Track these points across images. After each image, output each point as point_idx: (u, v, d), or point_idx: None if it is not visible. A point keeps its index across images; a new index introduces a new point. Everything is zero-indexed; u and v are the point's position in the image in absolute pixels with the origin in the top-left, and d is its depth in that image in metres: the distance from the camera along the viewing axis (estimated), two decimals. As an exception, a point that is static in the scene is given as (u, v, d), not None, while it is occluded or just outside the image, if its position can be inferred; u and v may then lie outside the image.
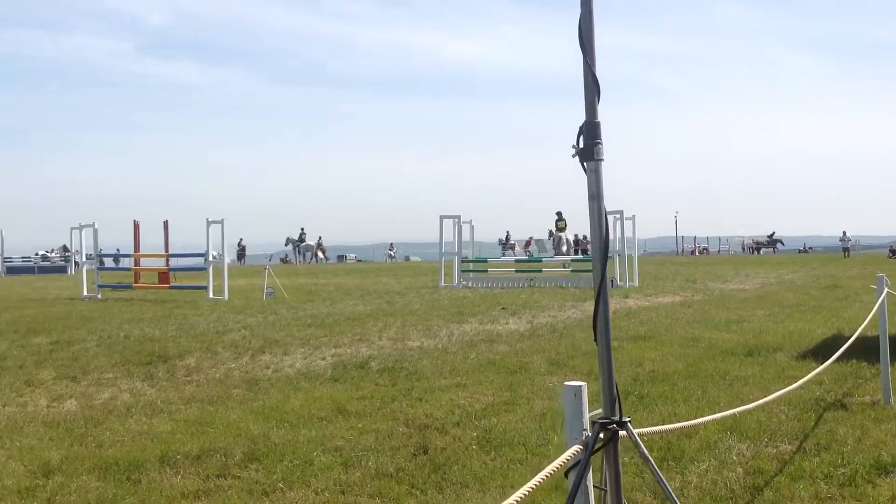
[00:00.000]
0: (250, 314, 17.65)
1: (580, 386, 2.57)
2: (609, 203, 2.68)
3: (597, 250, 2.59)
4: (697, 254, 72.32)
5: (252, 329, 14.68)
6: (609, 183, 2.62)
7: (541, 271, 28.24)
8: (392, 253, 72.14)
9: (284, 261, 61.62)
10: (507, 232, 60.42)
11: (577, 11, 2.58)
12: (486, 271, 28.84)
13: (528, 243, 54.77)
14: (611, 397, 2.64)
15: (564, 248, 40.93)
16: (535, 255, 45.75)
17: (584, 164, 2.59)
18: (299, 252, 60.81)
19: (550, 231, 47.80)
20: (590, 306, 17.47)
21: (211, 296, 22.58)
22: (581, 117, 2.60)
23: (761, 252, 69.41)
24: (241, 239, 62.03)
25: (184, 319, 16.69)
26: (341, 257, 70.01)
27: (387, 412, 7.77)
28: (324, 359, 11.24)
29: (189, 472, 5.90)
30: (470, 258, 29.43)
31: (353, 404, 8.10)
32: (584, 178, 2.62)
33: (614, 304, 19.11)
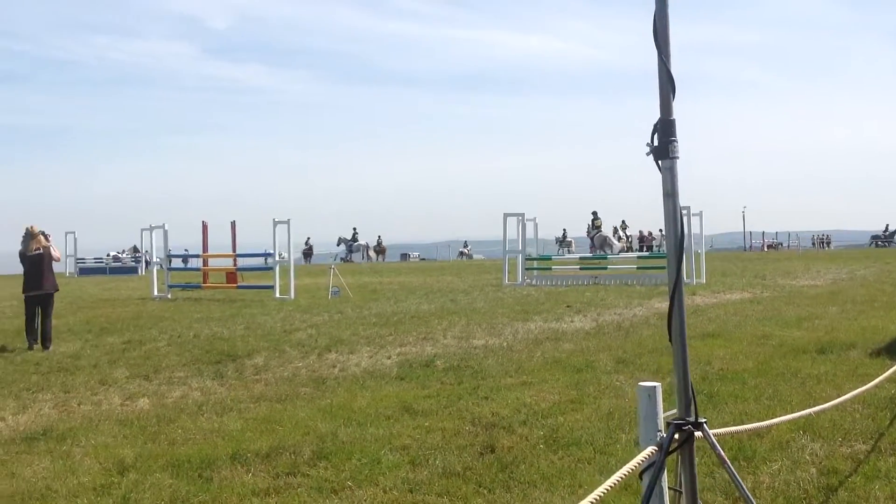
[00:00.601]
0: (316, 313, 17.82)
1: (654, 387, 2.53)
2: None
3: (672, 249, 2.54)
4: (766, 249, 70.90)
5: (318, 328, 14.82)
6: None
7: (606, 268, 27.97)
8: (467, 251, 71.95)
9: (346, 260, 61.88)
10: (564, 230, 59.85)
11: (645, 5, 2.54)
12: (551, 269, 28.65)
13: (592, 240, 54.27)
14: (686, 398, 2.59)
15: (614, 246, 41.01)
16: (600, 252, 45.36)
17: (659, 161, 2.54)
18: (351, 252, 60.93)
19: (589, 228, 47.37)
20: (657, 303, 17.32)
21: (277, 295, 22.85)
22: (650, 113, 2.56)
23: (877, 245, 67.44)
24: (308, 238, 62.39)
25: (251, 319, 16.93)
26: (404, 256, 70.16)
27: (453, 411, 7.77)
28: (389, 357, 11.29)
29: (259, 470, 5.98)
30: (534, 256, 29.28)
31: (419, 403, 8.12)
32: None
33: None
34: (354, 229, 62.67)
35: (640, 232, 52.79)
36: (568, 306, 17.90)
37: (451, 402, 8.12)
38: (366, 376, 9.87)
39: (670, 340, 2.57)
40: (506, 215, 27.63)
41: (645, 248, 48.85)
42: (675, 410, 2.59)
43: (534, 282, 27.03)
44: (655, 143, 2.54)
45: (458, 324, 14.87)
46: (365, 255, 61.59)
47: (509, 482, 5.56)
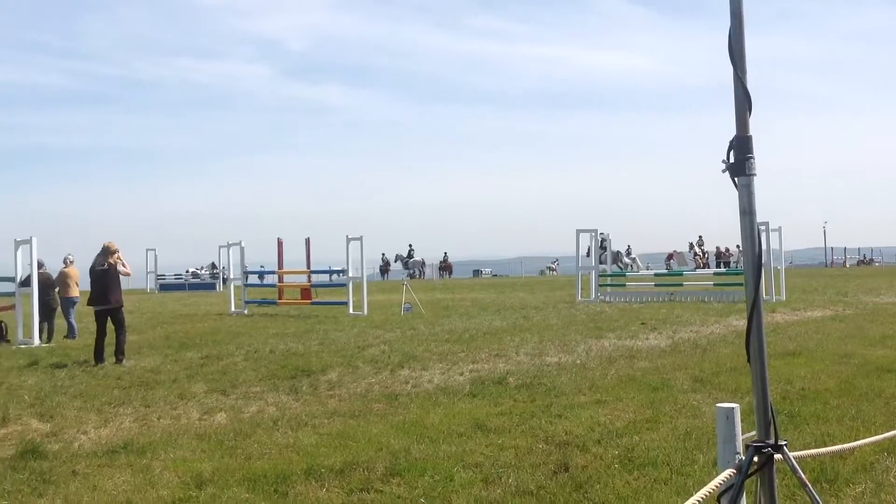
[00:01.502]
0: (389, 329, 17.93)
1: (733, 408, 2.47)
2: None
3: (750, 267, 2.49)
4: (858, 265, 68.95)
5: (391, 344, 14.91)
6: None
7: (682, 285, 27.57)
8: (554, 266, 71.19)
9: (412, 276, 61.80)
10: (629, 245, 58.65)
11: (716, 21, 2.51)
12: (625, 285, 28.37)
13: (669, 257, 53.54)
14: (766, 420, 2.53)
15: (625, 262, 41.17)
16: (676, 268, 44.75)
17: (735, 179, 2.50)
18: (407, 268, 60.51)
19: (691, 244, 46.69)
20: (734, 321, 16.99)
21: (351, 311, 23.07)
22: (723, 130, 2.52)
23: None
24: (383, 254, 62.68)
25: (325, 335, 17.11)
26: (476, 272, 70.21)
27: (526, 428, 7.72)
28: (462, 374, 11.28)
29: (333, 486, 6.02)
30: (608, 272, 29.03)
31: (491, 420, 8.09)
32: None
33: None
34: (410, 246, 62.48)
35: (717, 248, 51.84)
36: (643, 323, 17.68)
37: (523, 420, 8.07)
38: (438, 393, 9.87)
39: (749, 360, 2.51)
40: (578, 231, 27.48)
41: (722, 265, 47.94)
42: (754, 432, 2.53)
43: (607, 298, 26.80)
44: (731, 160, 2.50)
45: (531, 340, 14.80)
46: (420, 271, 61.20)
47: (584, 502, 5.49)
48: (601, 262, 42.61)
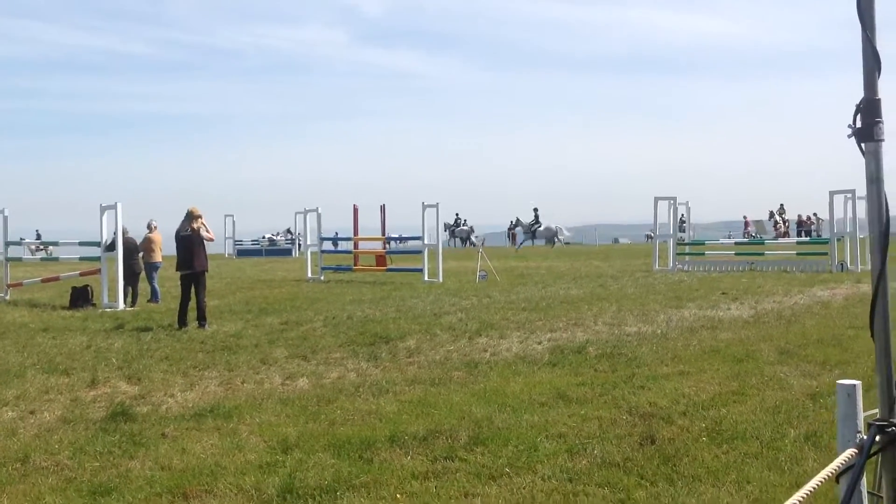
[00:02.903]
0: (465, 297, 17.93)
1: (854, 385, 2.36)
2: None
3: (877, 238, 2.35)
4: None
5: (467, 312, 14.89)
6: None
7: (763, 254, 26.95)
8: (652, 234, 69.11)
9: (465, 244, 60.94)
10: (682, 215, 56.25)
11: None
12: (704, 254, 27.85)
13: (746, 225, 52.43)
14: (889, 398, 2.39)
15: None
16: (756, 237, 43.82)
17: (862, 145, 2.35)
18: (454, 237, 58.96)
19: (771, 212, 45.53)
20: (818, 291, 16.58)
21: (426, 278, 23.12)
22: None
23: None
24: (464, 220, 61.86)
25: (402, 301, 17.18)
26: (550, 240, 69.70)
27: (608, 399, 7.62)
28: (540, 343, 11.21)
29: (417, 453, 6.02)
30: (686, 241, 28.55)
31: (573, 390, 8.00)
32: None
33: (846, 289, 17.95)
34: (457, 214, 60.71)
35: (799, 216, 50.50)
36: (723, 293, 17.34)
37: (605, 391, 7.97)
38: (517, 361, 9.83)
39: (872, 336, 2.38)
40: (656, 199, 27.04)
41: (804, 234, 46.73)
42: (876, 410, 2.41)
43: (686, 267, 26.37)
44: (858, 124, 2.36)
45: (609, 310, 14.63)
46: (468, 240, 59.00)
47: (672, 475, 5.39)
48: (534, 237, 40.97)
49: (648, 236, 26.93)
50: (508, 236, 62.17)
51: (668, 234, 27.13)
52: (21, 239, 27.10)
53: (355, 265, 27.64)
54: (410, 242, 31.32)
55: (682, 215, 31.93)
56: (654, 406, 7.30)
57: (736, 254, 28.00)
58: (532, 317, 13.89)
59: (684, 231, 48.05)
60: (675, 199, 27.07)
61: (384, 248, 28.73)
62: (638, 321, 13.13)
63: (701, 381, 8.33)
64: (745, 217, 52.62)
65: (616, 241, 70.74)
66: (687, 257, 27.41)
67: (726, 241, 37.56)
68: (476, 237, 55.22)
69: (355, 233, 30.72)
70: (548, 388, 8.13)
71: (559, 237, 54.26)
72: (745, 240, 38.67)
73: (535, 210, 54.93)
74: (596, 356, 10.02)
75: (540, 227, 54.04)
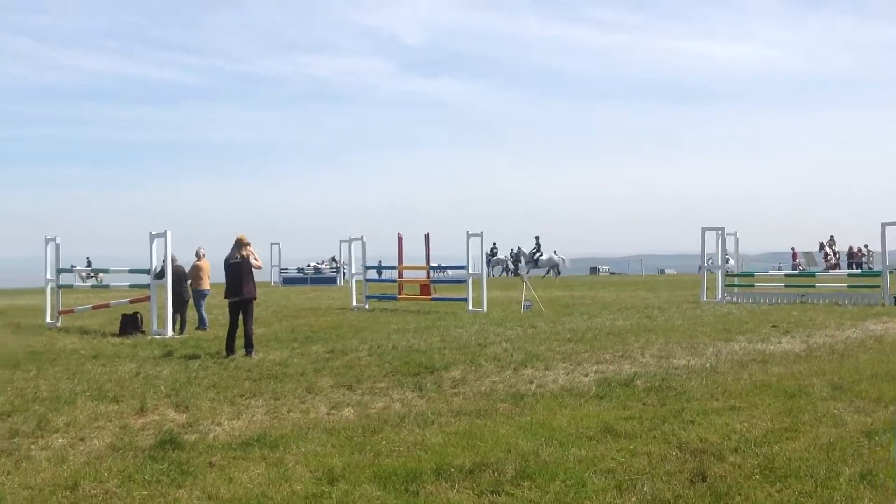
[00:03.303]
0: (509, 327, 17.83)
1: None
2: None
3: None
4: None
5: (512, 342, 14.80)
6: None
7: (814, 286, 26.49)
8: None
9: (503, 273, 60.74)
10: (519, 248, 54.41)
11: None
12: (753, 286, 27.44)
13: (794, 256, 51.60)
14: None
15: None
16: (806, 268, 43.10)
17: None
18: (490, 266, 58.50)
19: (821, 244, 44.77)
20: (871, 325, 16.27)
21: (470, 308, 23.06)
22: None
23: None
24: (511, 250, 61.64)
25: (446, 331, 17.13)
26: (594, 269, 69.32)
27: (658, 434, 7.50)
28: (587, 375, 11.09)
29: (464, 487, 5.96)
30: (734, 272, 28.17)
31: (621, 424, 7.89)
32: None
33: (900, 323, 17.54)
34: (494, 243, 60.40)
35: (850, 248, 49.61)
36: (774, 326, 17.06)
37: (654, 425, 7.84)
38: (564, 394, 9.72)
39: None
40: (704, 229, 26.74)
41: (854, 266, 45.88)
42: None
43: (734, 299, 26.01)
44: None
45: (657, 342, 14.45)
46: (504, 269, 58.81)
47: (725, 514, 5.27)
48: (536, 265, 39.86)
49: (702, 267, 26.57)
50: (501, 266, 60.82)
51: (716, 265, 26.80)
52: (72, 266, 27.57)
53: (399, 294, 27.65)
54: (454, 272, 31.27)
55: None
56: (704, 442, 7.17)
57: (786, 286, 27.56)
58: (578, 348, 13.77)
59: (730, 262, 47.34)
60: (722, 229, 26.74)
61: (428, 277, 28.70)
62: (686, 354, 12.94)
63: (752, 417, 8.17)
64: (793, 249, 51.83)
65: (662, 271, 70.11)
66: (735, 289, 27.03)
67: (776, 272, 36.98)
68: (526, 267, 54.70)
69: (399, 261, 30.73)
70: (595, 422, 8.03)
71: (559, 267, 54.48)
72: (796, 272, 38.03)
73: (537, 238, 55.35)
74: (644, 389, 9.89)
75: (542, 255, 54.41)
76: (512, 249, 59.67)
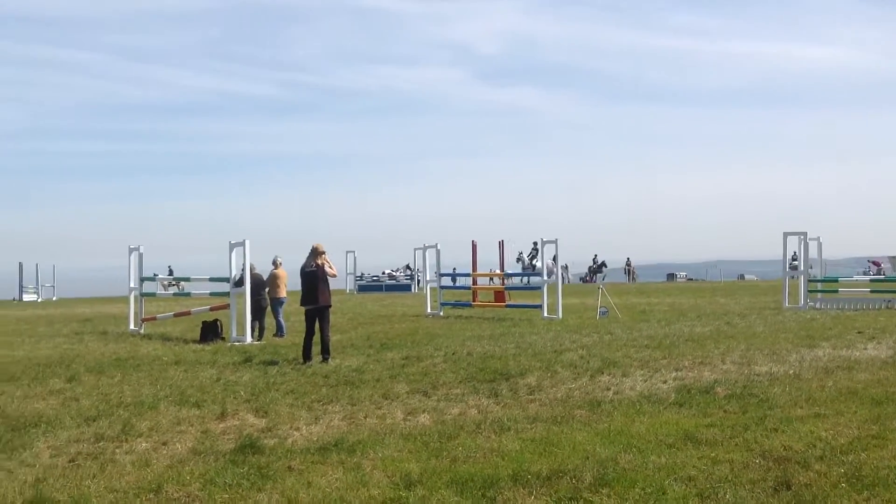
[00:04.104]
0: (585, 334, 17.68)
1: None
2: None
3: None
4: None
5: (588, 349, 14.67)
6: None
7: (901, 292, 25.65)
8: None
9: (585, 280, 60.61)
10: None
11: None
12: (837, 291, 26.71)
13: (876, 262, 50.09)
14: None
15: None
16: (891, 274, 41.78)
17: None
18: (524, 267, 58.06)
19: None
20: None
21: (545, 314, 22.93)
22: None
23: None
24: (595, 255, 61.63)
25: (521, 338, 17.06)
26: (671, 276, 68.26)
27: (740, 442, 7.34)
28: (665, 382, 10.92)
29: (541, 493, 5.91)
30: (818, 277, 27.46)
31: (702, 431, 7.74)
32: None
33: None
34: (535, 243, 60.13)
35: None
36: (859, 332, 16.56)
37: (736, 433, 7.68)
38: (642, 401, 9.58)
39: None
40: (786, 234, 26.13)
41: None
42: None
43: (818, 305, 25.35)
44: None
45: (737, 348, 14.15)
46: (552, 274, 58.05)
47: (811, 524, 5.13)
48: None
49: (796, 267, 25.96)
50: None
51: (799, 270, 26.16)
52: (155, 275, 28.28)
53: (474, 301, 27.67)
54: (530, 279, 31.17)
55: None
56: (788, 450, 6.99)
57: (871, 291, 26.76)
58: (656, 355, 13.57)
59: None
60: (805, 233, 26.10)
61: (503, 283, 28.66)
62: (768, 360, 12.65)
63: (838, 425, 7.94)
64: (869, 261, 50.46)
65: (741, 277, 68.67)
66: (819, 294, 26.35)
67: (861, 277, 35.93)
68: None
69: (474, 268, 30.79)
70: (675, 429, 7.90)
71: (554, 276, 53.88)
72: (881, 276, 36.91)
73: (535, 244, 54.58)
74: (725, 396, 9.69)
75: (537, 262, 53.81)
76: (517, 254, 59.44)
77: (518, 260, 57.09)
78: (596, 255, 61.59)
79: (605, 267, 60.79)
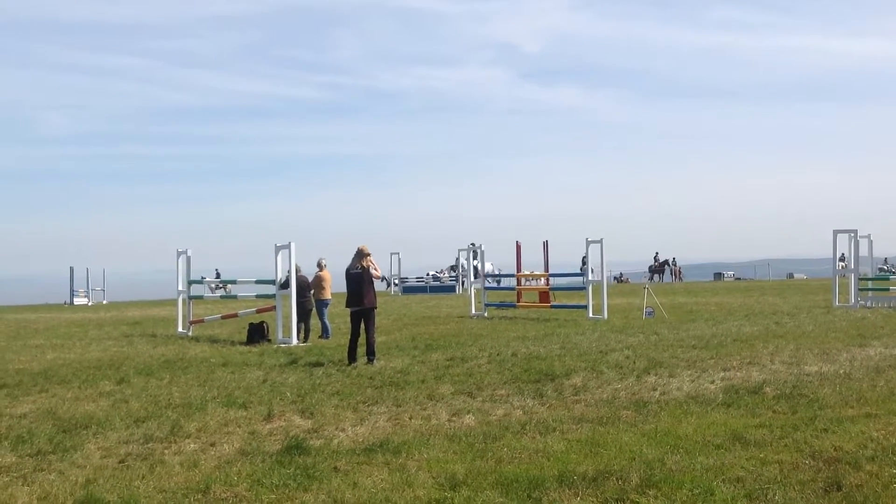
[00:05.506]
0: (631, 334, 17.54)
1: None
2: None
3: None
4: None
5: (634, 349, 14.55)
6: None
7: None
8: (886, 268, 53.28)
9: (619, 280, 60.09)
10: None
11: None
12: (888, 290, 26.21)
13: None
14: None
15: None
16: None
17: None
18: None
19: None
20: None
21: (591, 315, 22.80)
22: None
23: None
24: (656, 253, 61.17)
25: (566, 338, 16.98)
26: (718, 275, 67.45)
27: (789, 442, 7.23)
28: (713, 382, 10.80)
29: (587, 494, 5.88)
30: (869, 276, 26.97)
31: (750, 432, 7.64)
32: None
33: None
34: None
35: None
36: (912, 331, 16.24)
37: (785, 433, 7.56)
38: (689, 401, 9.49)
39: None
40: (836, 232, 25.71)
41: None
42: None
43: (869, 304, 24.89)
44: None
45: (786, 348, 13.95)
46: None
47: (863, 526, 5.04)
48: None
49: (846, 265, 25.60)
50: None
51: (850, 268, 25.72)
52: (202, 278, 28.60)
53: (518, 301, 27.61)
54: (573, 279, 31.03)
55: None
56: (839, 450, 6.87)
57: (924, 289, 26.24)
58: (703, 355, 13.42)
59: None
60: (855, 231, 25.65)
61: (547, 284, 28.55)
62: (818, 360, 12.45)
63: (890, 425, 7.78)
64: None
65: (791, 275, 67.67)
66: (870, 293, 25.87)
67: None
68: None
69: (518, 269, 30.72)
70: (723, 430, 7.80)
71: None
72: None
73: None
74: (774, 397, 9.56)
75: (584, 265, 53.41)
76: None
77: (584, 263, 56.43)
78: (657, 254, 60.97)
79: (668, 265, 60.18)
